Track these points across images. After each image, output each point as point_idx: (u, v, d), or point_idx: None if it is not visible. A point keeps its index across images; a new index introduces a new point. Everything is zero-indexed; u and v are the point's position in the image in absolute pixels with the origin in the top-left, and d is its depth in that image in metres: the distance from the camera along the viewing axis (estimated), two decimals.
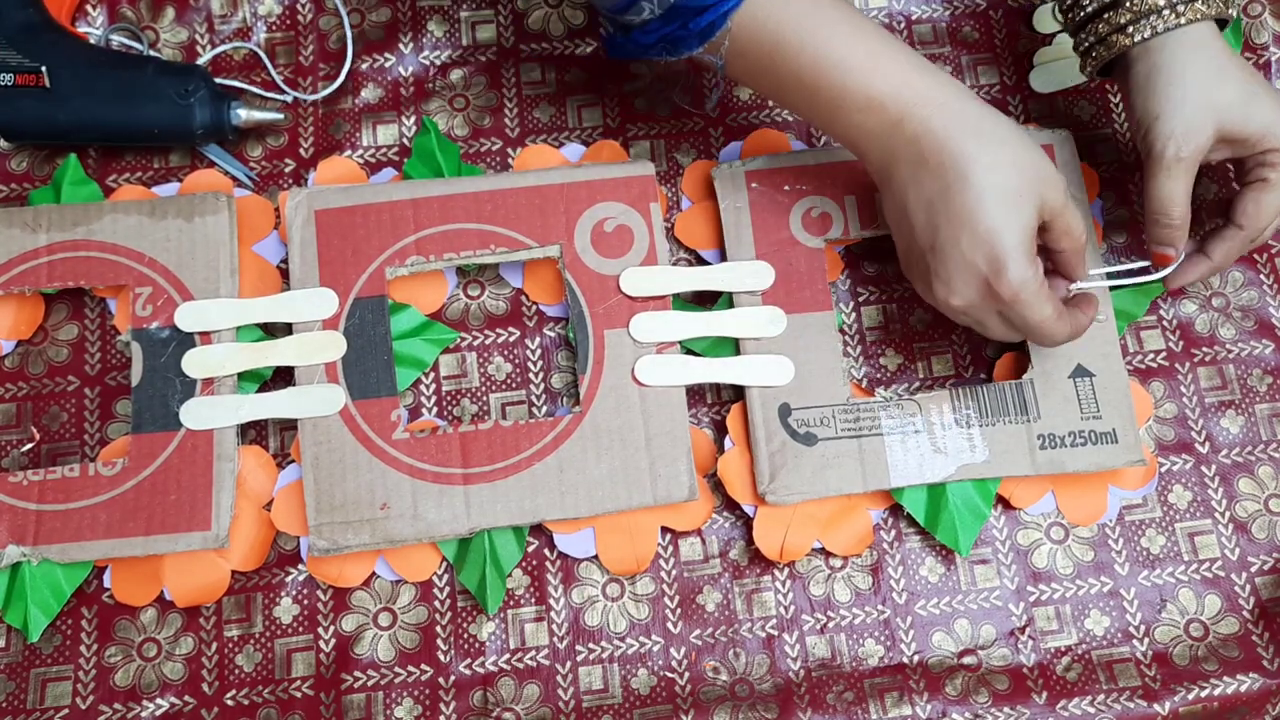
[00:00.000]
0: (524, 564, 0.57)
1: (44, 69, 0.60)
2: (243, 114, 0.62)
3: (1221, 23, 0.55)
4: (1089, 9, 0.56)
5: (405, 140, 0.64)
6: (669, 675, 0.56)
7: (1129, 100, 0.56)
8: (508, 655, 0.56)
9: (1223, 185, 0.65)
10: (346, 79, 0.65)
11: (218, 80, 0.64)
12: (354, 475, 0.56)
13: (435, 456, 0.56)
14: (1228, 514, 0.60)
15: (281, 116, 0.63)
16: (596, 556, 0.57)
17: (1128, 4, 0.54)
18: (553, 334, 0.61)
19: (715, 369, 0.58)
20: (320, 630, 0.56)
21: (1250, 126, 0.53)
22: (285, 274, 0.60)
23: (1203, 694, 0.55)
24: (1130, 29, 0.54)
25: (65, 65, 0.61)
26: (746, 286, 0.59)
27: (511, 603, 0.57)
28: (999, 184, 0.48)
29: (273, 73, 0.65)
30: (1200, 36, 0.53)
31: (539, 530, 0.58)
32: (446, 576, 0.57)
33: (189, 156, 0.64)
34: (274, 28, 0.66)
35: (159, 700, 0.55)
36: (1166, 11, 0.53)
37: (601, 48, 0.66)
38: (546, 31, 0.67)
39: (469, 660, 0.56)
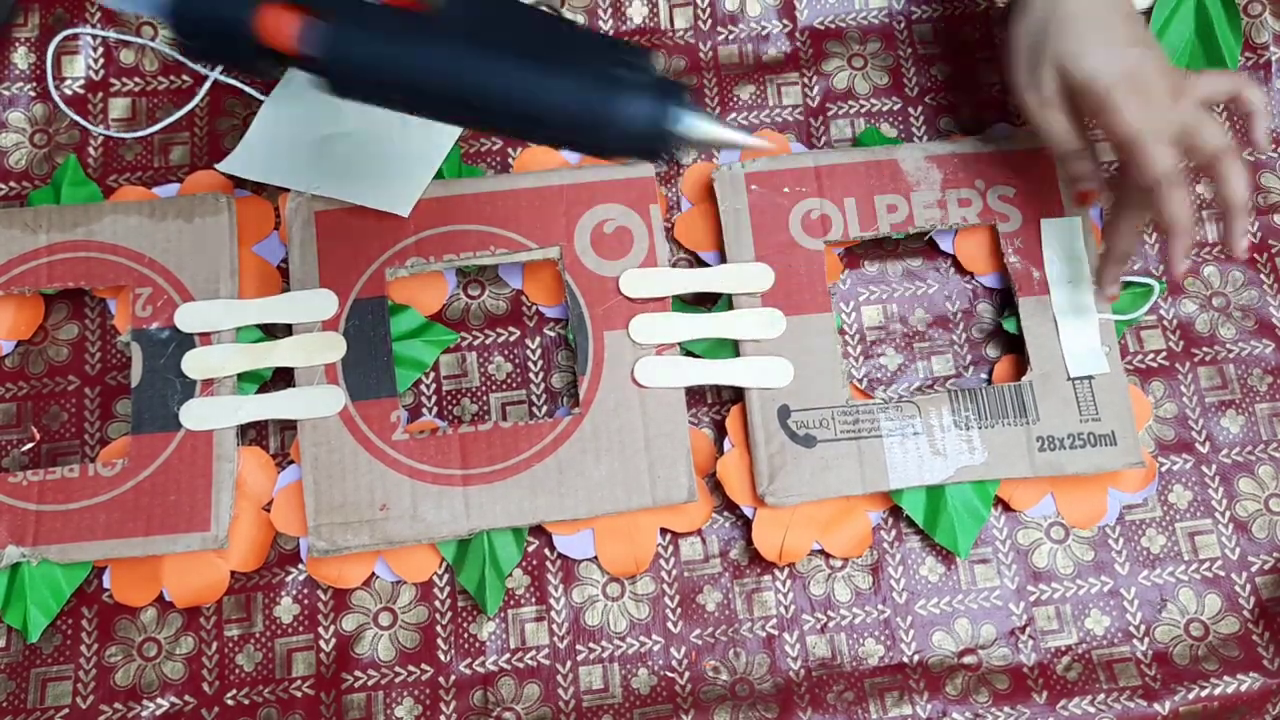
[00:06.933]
0: (524, 563, 0.57)
1: None
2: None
3: None
4: None
5: None
6: (669, 675, 0.56)
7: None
8: (508, 655, 0.56)
9: None
10: None
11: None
12: (353, 476, 0.56)
13: (434, 457, 0.56)
14: (1228, 514, 0.60)
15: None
16: (596, 558, 0.57)
17: None
18: (553, 333, 0.61)
19: (715, 370, 0.58)
20: (320, 630, 0.56)
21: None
22: (285, 275, 0.60)
23: (1203, 694, 0.55)
24: None
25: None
26: (746, 288, 0.59)
27: (512, 602, 0.57)
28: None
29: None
30: None
31: (539, 530, 0.58)
32: (446, 576, 0.57)
33: (188, 155, 0.64)
34: None
35: (159, 700, 0.55)
36: None
37: None
38: None
39: (469, 660, 0.56)
